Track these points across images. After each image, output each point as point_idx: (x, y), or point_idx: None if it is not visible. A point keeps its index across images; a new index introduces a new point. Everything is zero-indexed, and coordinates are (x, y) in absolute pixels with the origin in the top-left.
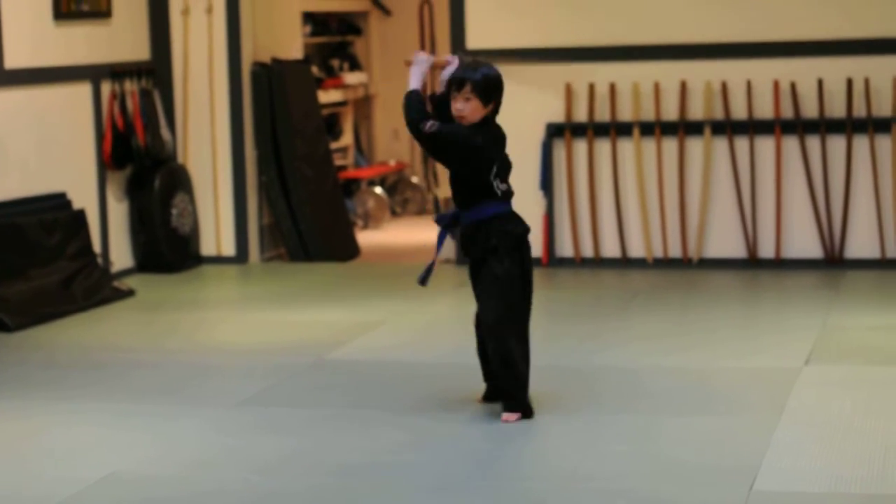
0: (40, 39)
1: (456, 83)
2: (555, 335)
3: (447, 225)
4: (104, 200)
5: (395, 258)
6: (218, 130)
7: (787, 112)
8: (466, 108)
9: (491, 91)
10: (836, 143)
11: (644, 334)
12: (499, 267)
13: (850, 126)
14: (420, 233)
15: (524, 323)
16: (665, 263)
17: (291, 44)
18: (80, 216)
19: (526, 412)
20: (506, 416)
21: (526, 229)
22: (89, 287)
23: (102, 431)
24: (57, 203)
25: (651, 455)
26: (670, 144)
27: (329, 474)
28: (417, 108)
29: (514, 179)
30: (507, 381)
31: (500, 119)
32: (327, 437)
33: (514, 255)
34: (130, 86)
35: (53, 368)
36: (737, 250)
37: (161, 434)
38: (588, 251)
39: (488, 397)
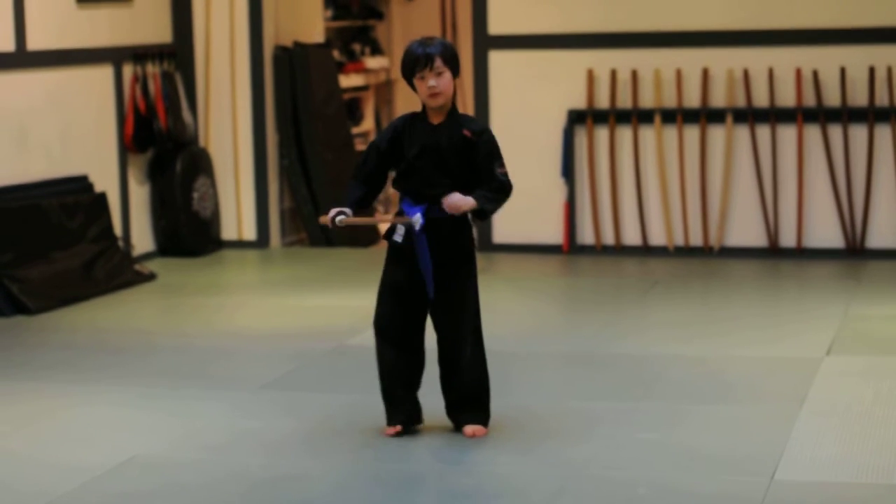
0: (63, 22)
1: (422, 61)
2: (575, 322)
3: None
4: (126, 183)
5: None
6: (239, 114)
7: (810, 100)
8: (441, 82)
9: (456, 60)
10: (859, 132)
11: (664, 322)
12: (472, 277)
13: (872, 115)
14: None
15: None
16: (686, 251)
17: (313, 27)
18: (102, 199)
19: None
20: (476, 429)
21: None
22: (110, 270)
23: (123, 415)
24: (78, 186)
25: (671, 443)
26: (692, 132)
27: (350, 459)
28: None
29: (535, 166)
30: (479, 393)
31: (522, 104)
32: (348, 423)
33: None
34: (152, 68)
35: (74, 351)
36: (758, 239)
37: (182, 418)
38: (609, 238)
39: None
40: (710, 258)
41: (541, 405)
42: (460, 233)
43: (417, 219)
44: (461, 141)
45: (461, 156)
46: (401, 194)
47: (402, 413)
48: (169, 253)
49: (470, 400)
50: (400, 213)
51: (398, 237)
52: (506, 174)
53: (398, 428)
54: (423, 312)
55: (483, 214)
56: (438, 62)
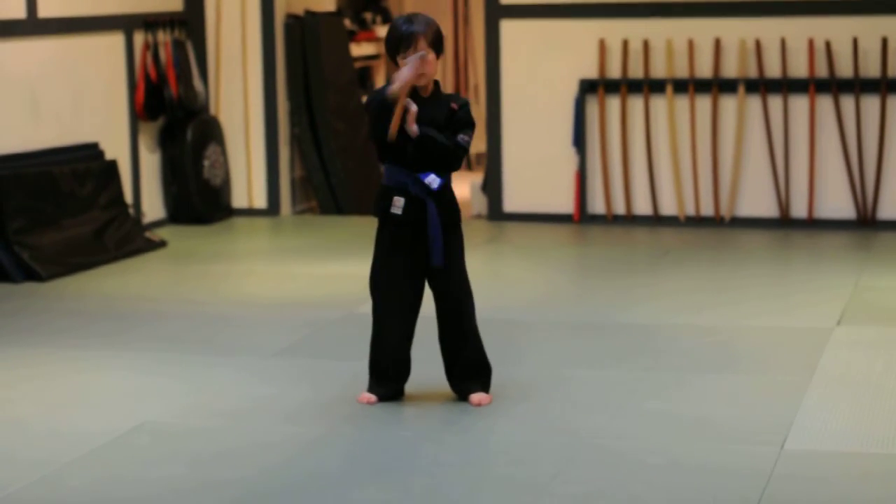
0: None
1: (405, 41)
2: (585, 292)
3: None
4: (136, 151)
5: None
6: (250, 82)
7: (822, 71)
8: (426, 65)
9: (440, 39)
10: (871, 103)
11: (675, 292)
12: (460, 243)
13: (884, 86)
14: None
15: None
16: (697, 222)
17: None
18: (113, 167)
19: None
20: (482, 397)
21: None
22: (121, 237)
23: (133, 381)
24: (89, 153)
25: (682, 413)
26: (703, 102)
27: (361, 425)
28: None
29: (547, 135)
30: (483, 360)
31: (534, 74)
32: (358, 390)
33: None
34: (163, 36)
35: (84, 317)
36: (769, 209)
37: (192, 385)
38: (620, 208)
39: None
40: (721, 228)
41: (550, 374)
42: (452, 201)
43: (433, 178)
44: (449, 113)
45: (447, 128)
46: (390, 166)
47: (385, 390)
48: (179, 220)
49: (474, 368)
50: (392, 183)
51: (397, 209)
52: (467, 143)
53: (374, 399)
54: (423, 286)
55: (424, 140)
56: (422, 44)
